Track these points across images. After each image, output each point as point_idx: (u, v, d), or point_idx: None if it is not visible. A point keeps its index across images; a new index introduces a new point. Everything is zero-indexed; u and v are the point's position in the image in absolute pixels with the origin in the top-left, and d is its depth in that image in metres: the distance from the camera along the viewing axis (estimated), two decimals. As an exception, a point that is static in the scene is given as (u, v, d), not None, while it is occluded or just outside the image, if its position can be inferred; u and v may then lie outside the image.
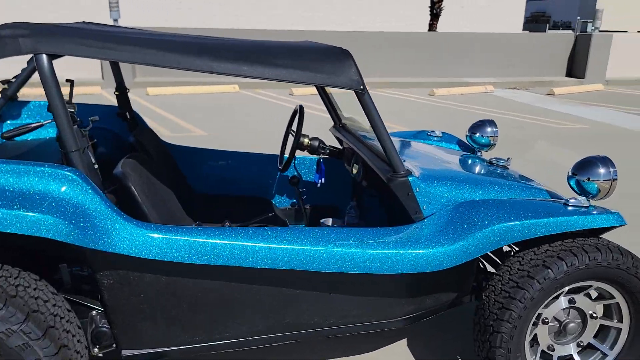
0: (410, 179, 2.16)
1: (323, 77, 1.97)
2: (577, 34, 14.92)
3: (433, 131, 3.53)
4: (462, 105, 10.48)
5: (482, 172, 2.58)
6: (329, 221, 2.87)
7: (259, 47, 2.01)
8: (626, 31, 14.70)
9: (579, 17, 15.44)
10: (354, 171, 2.76)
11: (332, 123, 3.24)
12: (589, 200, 2.23)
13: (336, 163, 3.30)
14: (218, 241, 1.86)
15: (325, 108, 3.20)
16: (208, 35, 2.44)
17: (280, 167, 2.97)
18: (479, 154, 3.25)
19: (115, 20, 11.52)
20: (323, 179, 3.01)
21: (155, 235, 1.80)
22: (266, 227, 1.98)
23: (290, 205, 3.34)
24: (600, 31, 14.76)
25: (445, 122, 8.75)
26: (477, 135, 3.24)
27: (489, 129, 3.23)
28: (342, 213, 3.32)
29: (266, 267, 1.92)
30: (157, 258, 1.80)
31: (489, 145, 3.24)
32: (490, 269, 3.01)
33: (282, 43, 2.14)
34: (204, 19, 16.49)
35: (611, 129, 8.46)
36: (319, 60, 1.99)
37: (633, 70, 15.21)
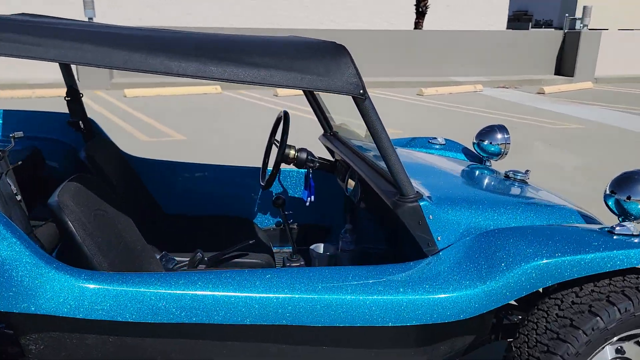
0: (421, 203, 1.76)
1: (312, 80, 1.57)
2: (566, 31, 14.68)
3: (435, 138, 3.14)
4: (452, 105, 10.15)
5: (501, 189, 2.20)
6: (320, 247, 2.46)
7: (231, 42, 1.60)
8: (607, 29, 14.49)
9: (567, 15, 15.20)
10: (349, 188, 2.35)
11: (321, 130, 2.84)
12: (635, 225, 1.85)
13: (326, 176, 2.89)
14: (177, 291, 1.45)
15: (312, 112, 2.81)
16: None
17: (262, 183, 2.55)
18: (487, 163, 2.87)
19: (90, 18, 10.99)
20: (312, 197, 2.60)
21: (93, 287, 1.38)
22: (241, 271, 1.57)
23: (274, 224, 2.92)
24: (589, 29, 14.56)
25: (438, 123, 8.40)
26: (486, 142, 2.85)
27: (499, 136, 2.85)
28: (334, 235, 2.92)
29: (243, 323, 1.51)
30: (96, 317, 1.37)
31: (499, 154, 2.85)
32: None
33: (261, 38, 1.72)
34: (180, 17, 15.95)
35: (607, 129, 8.17)
36: (307, 59, 1.58)
37: (621, 67, 15.02)
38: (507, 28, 19.70)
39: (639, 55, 15.12)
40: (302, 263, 2.41)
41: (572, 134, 7.70)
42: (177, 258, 2.27)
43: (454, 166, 2.56)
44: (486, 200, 1.95)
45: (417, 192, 1.79)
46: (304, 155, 2.52)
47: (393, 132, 7.03)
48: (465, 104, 10.19)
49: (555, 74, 14.77)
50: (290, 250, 2.93)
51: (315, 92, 2.66)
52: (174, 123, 7.84)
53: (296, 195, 2.92)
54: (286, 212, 2.54)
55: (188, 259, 2.29)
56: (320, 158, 2.61)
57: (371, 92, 11.57)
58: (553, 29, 16.71)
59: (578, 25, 14.58)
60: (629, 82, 14.18)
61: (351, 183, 2.34)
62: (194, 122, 8.02)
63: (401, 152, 2.75)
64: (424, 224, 1.76)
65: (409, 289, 1.64)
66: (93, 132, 2.53)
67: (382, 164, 2.13)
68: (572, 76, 14.19)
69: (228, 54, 1.52)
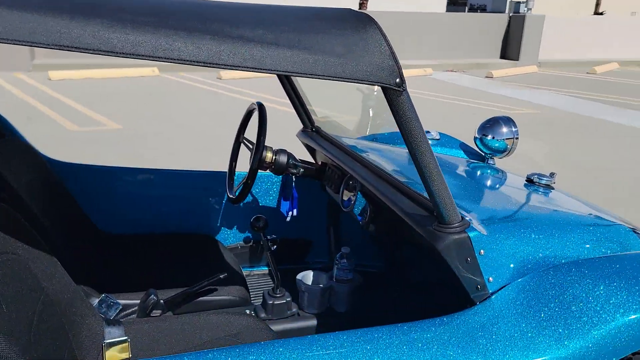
0: (471, 234, 1.29)
1: (327, 64, 1.05)
2: (510, 14, 14.69)
3: (428, 132, 2.69)
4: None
5: (541, 203, 1.76)
6: (309, 276, 1.96)
7: (210, 9, 1.05)
8: (544, 15, 14.69)
9: (510, -2, 15.23)
10: (346, 201, 1.86)
11: (297, 122, 2.32)
12: None
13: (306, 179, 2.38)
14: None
15: (284, 101, 2.29)
16: None
17: (231, 196, 2.01)
18: (490, 162, 2.46)
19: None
20: (295, 211, 2.08)
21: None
22: (228, 350, 1.05)
23: (243, 240, 2.39)
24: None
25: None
26: (490, 137, 2.43)
27: (504, 129, 2.43)
28: (318, 250, 2.42)
29: None
30: None
31: (504, 151, 2.44)
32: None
33: (251, 5, 1.18)
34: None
35: (561, 114, 8.08)
36: (319, 32, 1.07)
37: (562, 52, 15.26)
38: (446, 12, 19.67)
39: (579, 41, 15.40)
40: (289, 300, 1.90)
41: (529, 119, 7.54)
42: (122, 301, 1.71)
43: (465, 169, 2.12)
44: (533, 221, 1.50)
45: (462, 218, 1.31)
46: (283, 159, 1.99)
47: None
48: (419, 89, 9.89)
49: (501, 57, 14.79)
50: (266, 270, 2.41)
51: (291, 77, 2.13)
52: (107, 110, 7.03)
53: (269, 205, 2.40)
54: (268, 238, 2.02)
55: (137, 301, 1.73)
56: (302, 161, 2.09)
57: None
58: (498, 13, 16.73)
59: (522, 8, 14.62)
60: (570, 66, 14.40)
61: (347, 194, 1.85)
62: (130, 108, 7.23)
63: (388, 151, 2.28)
64: (473, 261, 1.29)
65: (459, 351, 1.18)
66: (1, 132, 1.89)
67: (401, 176, 1.64)
68: (517, 60, 14.25)
69: (204, 24, 0.98)
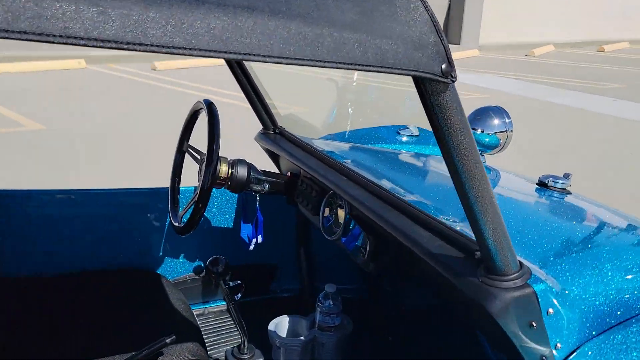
0: (537, 289, 0.90)
1: (337, 41, 0.62)
2: (450, -2, 14.65)
3: (405, 127, 2.32)
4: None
5: (575, 216, 1.41)
6: (284, 323, 1.53)
7: None
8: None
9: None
10: (328, 224, 1.44)
11: (255, 122, 1.87)
12: None
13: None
14: None
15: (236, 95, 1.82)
16: None
17: (176, 224, 1.54)
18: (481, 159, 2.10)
19: None
20: (261, 237, 1.64)
21: None
22: None
23: (193, 271, 1.92)
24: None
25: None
26: (479, 131, 2.07)
27: (496, 121, 2.09)
28: (286, 274, 1.99)
29: None
30: None
31: (496, 147, 2.10)
32: None
33: None
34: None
35: (512, 97, 7.99)
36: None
37: (501, 35, 15.37)
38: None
39: (518, 24, 15.57)
40: None
41: (482, 104, 7.37)
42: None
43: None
44: (595, 247, 1.14)
45: (521, 264, 0.92)
46: (243, 173, 1.54)
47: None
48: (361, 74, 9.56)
49: (443, 41, 14.72)
50: (223, 306, 1.96)
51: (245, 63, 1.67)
52: (27, 108, 6.25)
53: (224, 225, 1.94)
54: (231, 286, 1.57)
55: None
56: (266, 173, 1.64)
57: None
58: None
59: (462, -8, 14.58)
60: (509, 49, 14.51)
61: (337, 214, 1.42)
62: (54, 106, 6.48)
63: (373, 155, 1.88)
64: (540, 326, 0.90)
65: None
66: None
67: (413, 196, 1.24)
68: (459, 44, 14.23)
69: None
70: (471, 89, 8.52)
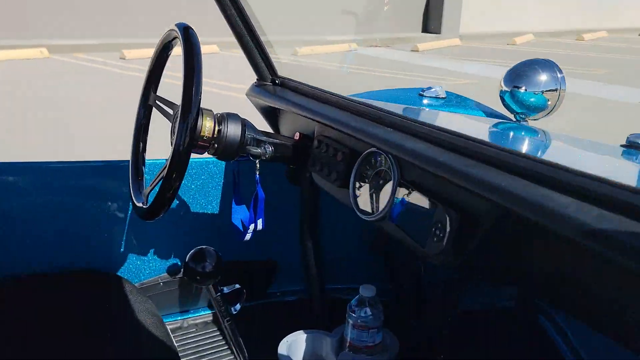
0: None
1: None
2: (429, -14, 14.38)
3: (430, 88, 1.90)
4: (333, 65, 9.16)
5: None
6: (299, 346, 1.11)
7: None
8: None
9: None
10: (366, 199, 1.01)
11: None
12: None
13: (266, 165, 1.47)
14: None
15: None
16: None
17: (140, 204, 1.09)
18: (523, 124, 1.71)
19: None
20: (261, 221, 1.20)
21: None
22: None
23: (166, 271, 1.47)
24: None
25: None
26: (522, 89, 1.65)
27: (543, 77, 1.68)
28: (289, 273, 1.54)
29: None
30: None
31: (544, 109, 1.69)
32: None
33: None
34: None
35: (497, 82, 7.73)
36: None
37: (481, 25, 15.19)
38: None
39: (498, 14, 15.43)
40: None
41: (469, 89, 7.10)
42: None
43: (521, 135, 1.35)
44: None
45: None
46: (235, 131, 1.10)
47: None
48: (352, 64, 9.29)
49: (423, 31, 14.46)
50: (208, 315, 1.52)
51: None
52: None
53: (207, 207, 1.49)
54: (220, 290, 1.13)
55: None
56: (267, 134, 1.20)
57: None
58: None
59: (441, -20, 14.34)
60: (490, 38, 14.33)
61: (373, 189, 0.99)
62: (15, 102, 5.93)
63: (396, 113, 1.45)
64: None
65: None
66: None
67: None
68: (439, 33, 14.00)
69: None
70: (456, 76, 8.28)
